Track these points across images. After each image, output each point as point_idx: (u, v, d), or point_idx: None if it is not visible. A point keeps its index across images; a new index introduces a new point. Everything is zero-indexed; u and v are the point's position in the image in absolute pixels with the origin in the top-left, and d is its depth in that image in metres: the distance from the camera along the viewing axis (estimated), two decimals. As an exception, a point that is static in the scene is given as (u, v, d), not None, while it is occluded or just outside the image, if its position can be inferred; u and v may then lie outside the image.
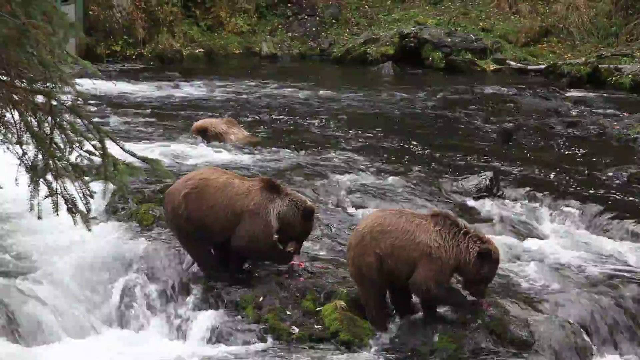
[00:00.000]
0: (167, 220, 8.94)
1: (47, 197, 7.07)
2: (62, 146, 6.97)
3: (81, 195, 7.15)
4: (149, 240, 9.36)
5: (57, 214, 7.12)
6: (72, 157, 7.06)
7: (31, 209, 7.13)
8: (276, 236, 8.48)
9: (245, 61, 28.33)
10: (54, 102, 6.92)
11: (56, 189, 7.03)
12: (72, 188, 7.12)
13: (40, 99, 6.98)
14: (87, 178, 7.19)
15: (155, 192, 10.58)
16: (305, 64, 28.40)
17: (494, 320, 7.84)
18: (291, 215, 8.41)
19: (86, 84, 7.43)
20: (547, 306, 8.32)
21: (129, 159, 7.35)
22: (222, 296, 8.49)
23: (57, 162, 6.96)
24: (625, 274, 9.13)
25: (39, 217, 7.27)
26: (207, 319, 8.25)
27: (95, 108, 17.23)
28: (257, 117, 18.04)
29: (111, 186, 7.36)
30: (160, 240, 9.38)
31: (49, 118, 6.89)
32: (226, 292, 8.50)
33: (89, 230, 7.32)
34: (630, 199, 11.95)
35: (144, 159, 7.44)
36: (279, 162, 13.39)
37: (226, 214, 8.37)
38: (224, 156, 13.53)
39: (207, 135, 14.53)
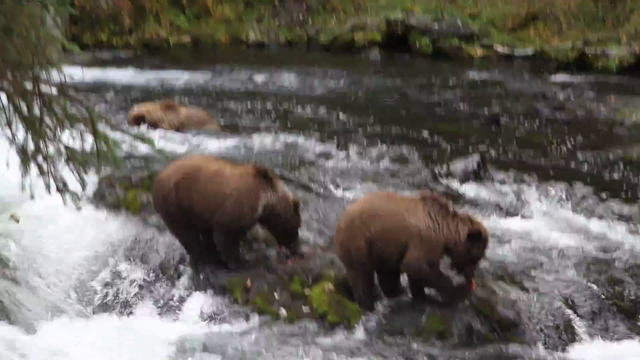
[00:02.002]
0: (156, 206, 8.89)
1: (38, 176, 7.07)
2: (52, 127, 6.97)
3: (76, 175, 7.16)
4: (137, 226, 9.37)
5: (50, 194, 7.14)
6: (64, 138, 7.06)
7: (22, 190, 7.13)
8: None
9: (232, 49, 28.25)
10: (43, 86, 6.91)
11: (47, 170, 7.03)
12: (64, 168, 7.13)
13: (28, 83, 6.97)
14: (79, 157, 7.19)
15: (142, 178, 10.57)
16: (293, 51, 28.30)
17: (482, 301, 7.88)
18: (281, 208, 8.41)
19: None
20: (534, 286, 8.35)
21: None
22: (211, 280, 8.50)
23: (47, 143, 6.96)
24: (612, 254, 9.18)
25: (32, 197, 7.28)
26: (197, 301, 8.28)
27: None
28: (240, 103, 17.99)
29: (103, 170, 7.36)
30: (148, 225, 9.39)
31: (38, 100, 6.88)
32: (214, 275, 8.51)
33: (79, 208, 7.32)
34: (615, 180, 12.07)
35: (139, 137, 7.45)
36: (263, 146, 13.42)
37: (217, 199, 8.34)
38: (212, 144, 13.54)
39: (144, 124, 13.89)
